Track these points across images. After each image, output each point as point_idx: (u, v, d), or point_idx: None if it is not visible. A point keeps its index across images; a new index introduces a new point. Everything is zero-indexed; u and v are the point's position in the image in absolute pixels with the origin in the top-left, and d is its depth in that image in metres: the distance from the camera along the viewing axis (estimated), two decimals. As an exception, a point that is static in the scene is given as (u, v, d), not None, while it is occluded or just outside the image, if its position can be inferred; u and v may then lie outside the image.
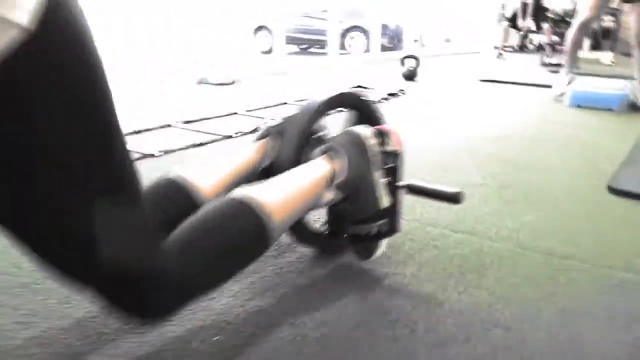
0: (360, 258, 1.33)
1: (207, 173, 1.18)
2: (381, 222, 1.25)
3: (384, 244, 1.31)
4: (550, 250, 1.50)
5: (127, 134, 2.63)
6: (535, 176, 2.21)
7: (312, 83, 4.84)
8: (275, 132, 1.30)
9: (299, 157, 1.25)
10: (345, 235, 1.30)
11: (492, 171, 2.24)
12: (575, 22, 4.19)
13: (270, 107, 3.48)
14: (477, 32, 12.83)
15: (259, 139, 1.32)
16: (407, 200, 1.85)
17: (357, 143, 1.22)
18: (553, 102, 4.15)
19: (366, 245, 1.30)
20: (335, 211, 1.34)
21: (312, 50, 11.67)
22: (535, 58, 7.67)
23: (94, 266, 0.75)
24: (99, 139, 0.73)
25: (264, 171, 1.25)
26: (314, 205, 1.16)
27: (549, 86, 4.55)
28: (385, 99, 3.99)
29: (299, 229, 1.31)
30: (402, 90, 4.33)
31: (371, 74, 5.46)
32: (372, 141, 1.24)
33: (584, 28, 4.17)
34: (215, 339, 1.06)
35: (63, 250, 0.75)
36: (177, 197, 1.10)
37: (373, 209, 1.24)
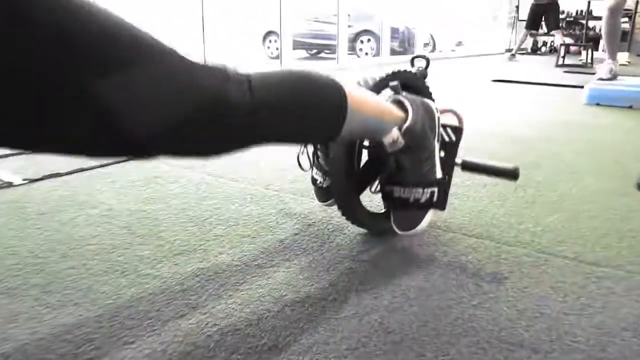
0: (402, 229, 1.25)
1: None
2: (433, 189, 1.23)
3: (429, 218, 1.24)
4: (577, 256, 1.30)
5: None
6: (556, 176, 2.01)
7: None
8: None
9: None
10: (391, 200, 1.26)
11: (509, 170, 2.04)
12: (604, 11, 3.99)
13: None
14: (488, 36, 12.65)
15: None
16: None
17: (427, 109, 1.23)
18: (570, 102, 3.95)
19: (412, 214, 1.23)
20: (392, 168, 1.24)
21: (322, 55, 11.49)
22: (549, 60, 7.47)
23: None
24: None
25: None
26: (381, 129, 1.14)
27: (565, 86, 4.35)
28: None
29: (353, 207, 1.33)
30: None
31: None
32: (437, 113, 1.25)
33: (615, 13, 3.95)
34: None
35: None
36: None
37: (428, 174, 1.22)
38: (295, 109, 0.92)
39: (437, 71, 5.46)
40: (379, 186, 1.32)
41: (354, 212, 1.34)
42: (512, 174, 1.27)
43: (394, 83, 1.27)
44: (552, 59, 8.07)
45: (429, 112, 1.23)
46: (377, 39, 10.28)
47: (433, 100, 1.37)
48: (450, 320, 1.01)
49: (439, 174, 1.24)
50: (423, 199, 1.22)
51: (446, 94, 4.32)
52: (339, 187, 1.29)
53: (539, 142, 2.61)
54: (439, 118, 1.25)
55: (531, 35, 10.16)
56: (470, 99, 4.11)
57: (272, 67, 6.85)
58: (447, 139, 1.31)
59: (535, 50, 10.79)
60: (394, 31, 10.15)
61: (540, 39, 10.91)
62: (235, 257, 1.27)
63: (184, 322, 1.00)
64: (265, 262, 1.24)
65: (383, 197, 1.31)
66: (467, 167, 1.32)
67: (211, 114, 0.78)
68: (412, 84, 1.40)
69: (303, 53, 11.69)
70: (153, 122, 0.72)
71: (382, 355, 0.91)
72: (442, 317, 1.03)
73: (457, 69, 6.56)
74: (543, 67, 6.94)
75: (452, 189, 1.34)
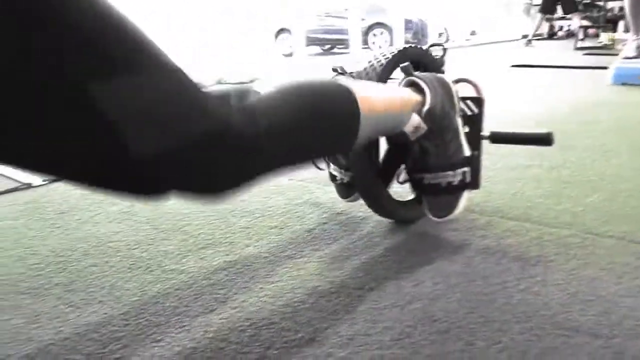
0: (438, 215, 1.19)
1: None
2: (464, 169, 1.16)
3: (464, 200, 1.18)
4: (625, 236, 1.22)
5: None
6: (590, 155, 1.93)
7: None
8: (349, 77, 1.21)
9: None
10: (422, 187, 1.20)
11: (539, 152, 1.96)
12: None
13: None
14: (502, 23, 12.50)
15: None
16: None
17: (443, 84, 1.16)
18: (595, 82, 3.84)
19: (446, 199, 1.17)
20: (417, 155, 1.17)
21: (335, 50, 11.42)
22: (567, 44, 7.33)
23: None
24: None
25: None
26: (400, 121, 1.08)
27: (587, 67, 4.25)
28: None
29: (381, 199, 1.26)
30: None
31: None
32: (454, 87, 1.18)
33: None
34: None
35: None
36: None
37: (456, 154, 1.15)
38: (305, 132, 0.82)
39: (455, 59, 5.37)
40: (405, 175, 1.24)
41: (382, 205, 1.27)
42: (546, 140, 1.23)
43: (405, 64, 1.18)
44: (569, 43, 7.92)
45: (445, 88, 1.16)
46: (390, 32, 10.19)
47: (443, 73, 1.31)
48: (498, 306, 0.95)
49: (467, 152, 1.17)
50: (456, 181, 1.16)
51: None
52: (362, 181, 1.22)
53: (567, 124, 2.52)
54: (457, 92, 1.18)
55: (547, 20, 10.00)
56: (493, 84, 4.02)
57: (284, 66, 6.81)
58: (469, 112, 1.24)
59: (551, 35, 10.61)
60: (407, 23, 10.06)
61: (557, 24, 10.73)
62: (263, 249, 1.21)
63: (214, 317, 0.95)
64: (294, 253, 1.18)
65: (413, 186, 1.24)
66: (497, 138, 1.26)
67: (219, 142, 0.69)
68: (423, 60, 1.31)
69: (316, 49, 11.64)
70: (159, 139, 0.63)
71: (430, 345, 0.84)
72: (489, 303, 0.96)
73: (474, 57, 6.46)
74: (562, 51, 6.80)
75: (482, 172, 1.26)
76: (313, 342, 0.86)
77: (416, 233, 1.27)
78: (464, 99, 1.23)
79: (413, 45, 1.30)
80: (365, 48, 9.90)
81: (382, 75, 1.18)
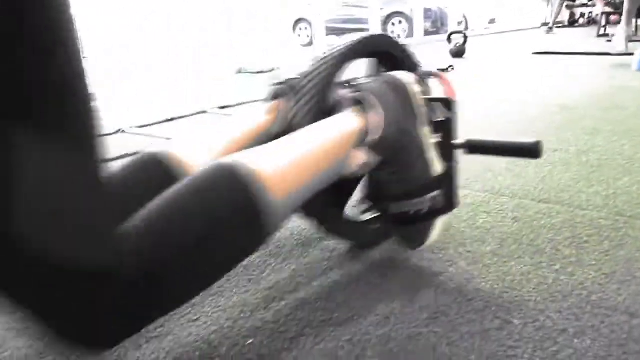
0: (409, 246, 1.03)
1: (202, 145, 0.90)
2: (435, 194, 0.94)
3: (439, 224, 0.98)
4: (659, 218, 1.21)
5: (161, 122, 2.49)
6: (618, 140, 1.90)
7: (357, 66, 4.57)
8: (289, 89, 1.01)
9: (319, 118, 0.92)
10: (387, 217, 0.99)
11: (566, 137, 1.95)
12: None
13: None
14: (522, 11, 12.37)
15: (271, 99, 1.04)
16: (472, 167, 1.61)
17: (398, 90, 0.92)
18: (619, 69, 3.79)
19: (417, 227, 0.97)
20: (374, 184, 1.00)
21: (352, 40, 11.39)
22: (589, 31, 7.24)
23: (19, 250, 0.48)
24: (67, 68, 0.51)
25: (277, 138, 0.85)
26: (337, 173, 0.83)
27: (611, 54, 4.20)
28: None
29: (327, 215, 1.02)
30: (451, 66, 4.08)
31: (417, 53, 5.17)
32: (417, 88, 0.95)
33: None
34: (248, 342, 0.83)
35: None
36: (154, 175, 0.80)
37: (423, 176, 0.93)
38: (195, 256, 0.61)
39: (475, 47, 5.34)
40: (366, 203, 1.04)
41: (334, 228, 1.05)
42: (533, 150, 0.97)
43: (348, 79, 1.00)
44: (591, 30, 7.81)
45: (402, 94, 0.92)
46: (409, 20, 10.13)
47: (416, 68, 1.11)
48: (534, 286, 0.94)
49: (438, 168, 0.95)
50: (425, 209, 0.94)
51: (490, 67, 4.20)
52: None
53: (593, 109, 2.49)
54: (419, 94, 0.95)
55: (567, 7, 9.87)
56: (515, 71, 3.98)
57: (303, 55, 6.80)
58: (438, 117, 0.98)
59: (572, 22, 10.47)
60: (426, 11, 9.99)
61: (577, 11, 10.59)
62: (295, 232, 1.22)
63: (250, 297, 0.95)
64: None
65: (377, 216, 1.07)
66: (474, 148, 1.00)
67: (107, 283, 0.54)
68: (393, 53, 1.11)
69: (334, 39, 11.60)
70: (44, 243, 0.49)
71: (467, 323, 0.84)
72: (524, 283, 0.95)
73: (495, 45, 6.40)
74: (584, 38, 6.71)
75: (508, 158, 1.20)
76: (350, 321, 0.86)
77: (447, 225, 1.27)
78: (431, 100, 0.97)
79: (377, 34, 1.09)
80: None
81: (333, 71, 0.99)
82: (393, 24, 10.75)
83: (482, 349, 0.78)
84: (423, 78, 0.99)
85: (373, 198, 1.01)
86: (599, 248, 1.08)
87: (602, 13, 7.41)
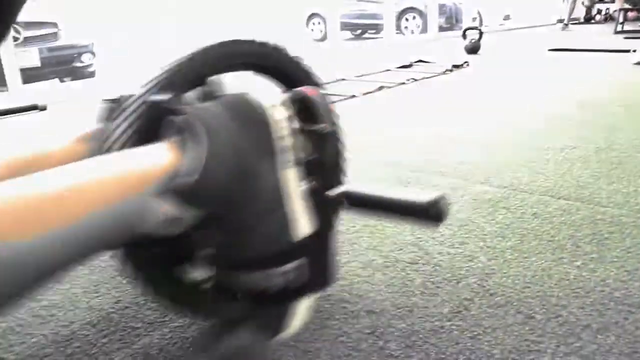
0: (261, 334, 0.71)
1: None
2: (294, 265, 0.67)
3: (304, 308, 0.70)
4: (681, 215, 1.20)
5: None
6: (637, 139, 1.89)
7: (369, 60, 4.56)
8: (108, 114, 0.75)
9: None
10: (227, 291, 0.71)
11: (585, 134, 1.93)
12: None
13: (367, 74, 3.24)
14: (537, 7, 12.27)
15: (99, 120, 0.76)
16: (491, 161, 1.61)
17: (244, 115, 0.66)
18: (637, 66, 3.75)
19: (270, 309, 0.71)
20: (210, 244, 0.70)
21: (366, 35, 11.35)
22: (605, 28, 7.17)
23: None
24: None
25: None
26: (124, 224, 0.58)
27: (629, 51, 4.15)
28: (450, 70, 3.72)
29: (155, 276, 0.78)
30: (466, 62, 4.06)
31: (432, 49, 5.15)
32: (279, 113, 0.68)
33: None
34: None
35: None
36: None
37: (278, 240, 0.67)
38: None
39: (490, 44, 5.31)
40: (204, 269, 0.73)
41: (161, 288, 0.80)
42: (426, 212, 0.66)
43: (158, 98, 0.71)
44: (608, 27, 7.75)
45: (251, 124, 0.66)
46: (423, 16, 10.08)
47: (310, 83, 0.87)
48: (555, 282, 0.94)
49: (304, 228, 0.68)
50: (279, 284, 0.67)
51: (505, 64, 4.18)
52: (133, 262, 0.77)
53: (612, 106, 2.47)
54: (287, 120, 0.68)
55: (584, 4, 9.80)
56: (531, 68, 3.96)
57: (317, 50, 6.78)
58: (309, 154, 0.71)
59: (588, 19, 10.39)
60: (441, 7, 9.94)
61: (594, 7, 10.51)
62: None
63: (271, 288, 0.96)
64: (347, 229, 1.19)
65: (215, 288, 0.73)
66: (354, 201, 0.72)
67: None
68: (260, 62, 0.85)
69: (347, 34, 11.57)
70: None
71: (489, 318, 0.84)
72: (546, 278, 0.95)
73: (510, 41, 6.36)
74: (601, 35, 6.65)
75: (526, 155, 1.19)
76: (372, 314, 0.86)
77: (465, 206, 1.27)
78: (302, 131, 0.70)
79: (241, 40, 0.82)
80: (398, 33, 9.82)
81: (161, 90, 0.74)
82: (407, 19, 10.72)
83: (505, 343, 0.78)
84: (296, 99, 0.71)
85: (211, 263, 0.71)
86: (621, 245, 1.07)
87: (620, 9, 7.34)
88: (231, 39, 0.80)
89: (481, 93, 2.87)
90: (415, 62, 4.13)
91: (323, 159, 0.71)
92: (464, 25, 8.90)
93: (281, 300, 0.69)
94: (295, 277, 0.67)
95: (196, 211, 0.61)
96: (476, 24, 10.28)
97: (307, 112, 0.70)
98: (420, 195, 0.66)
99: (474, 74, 3.67)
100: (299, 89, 0.72)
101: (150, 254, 0.74)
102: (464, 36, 5.09)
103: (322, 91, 0.74)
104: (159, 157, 0.61)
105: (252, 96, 0.69)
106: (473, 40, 4.95)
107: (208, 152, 0.61)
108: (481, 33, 5.00)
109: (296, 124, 0.69)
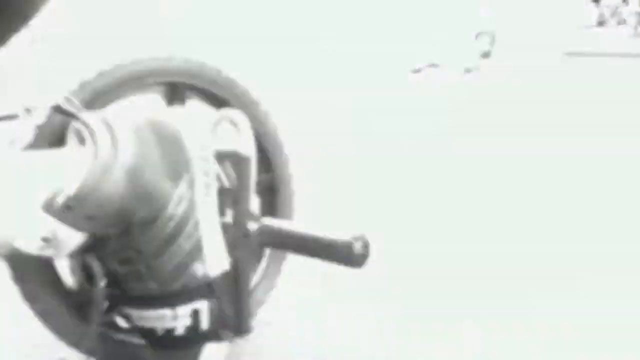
0: None
1: None
2: (199, 305, 0.60)
3: (219, 355, 0.63)
4: None
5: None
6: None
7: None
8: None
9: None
10: (126, 332, 0.64)
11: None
12: None
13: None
14: (550, 10, 12.14)
15: None
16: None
17: (159, 134, 0.60)
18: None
19: (173, 354, 0.62)
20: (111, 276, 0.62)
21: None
22: (621, 30, 7.07)
23: None
24: None
25: None
26: None
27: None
28: (461, 75, 3.61)
29: (75, 329, 0.68)
30: (478, 67, 3.94)
31: (441, 51, 5.03)
32: (200, 135, 0.62)
33: None
34: None
35: None
36: None
37: (183, 273, 0.59)
38: None
39: (503, 47, 5.14)
40: (111, 313, 0.64)
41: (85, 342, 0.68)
42: (347, 254, 0.62)
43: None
44: (623, 29, 7.60)
45: (166, 140, 0.60)
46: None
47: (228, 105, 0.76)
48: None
49: (217, 265, 0.61)
50: (181, 328, 0.60)
51: (519, 69, 4.00)
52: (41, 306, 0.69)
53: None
54: (205, 145, 0.62)
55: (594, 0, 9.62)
56: (545, 72, 3.80)
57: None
58: (225, 182, 0.66)
59: (601, 22, 10.15)
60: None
61: (607, 10, 10.28)
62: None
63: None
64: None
65: (109, 327, 0.65)
66: (273, 239, 0.68)
67: None
68: (183, 80, 0.75)
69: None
70: None
71: None
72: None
73: (523, 44, 6.22)
74: (619, 38, 6.49)
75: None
76: None
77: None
78: (221, 156, 0.65)
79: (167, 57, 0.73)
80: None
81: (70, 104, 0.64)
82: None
83: None
84: (221, 121, 0.66)
85: (110, 298, 0.61)
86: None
87: (636, 13, 7.17)
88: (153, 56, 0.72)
89: (489, 99, 2.66)
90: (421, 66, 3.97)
91: (244, 187, 0.65)
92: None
93: (185, 344, 0.60)
94: (201, 319, 0.60)
95: (83, 230, 0.54)
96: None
97: (234, 135, 0.65)
98: (343, 235, 0.63)
99: (485, 82, 3.49)
100: (224, 109, 0.70)
101: (40, 278, 0.65)
102: (476, 40, 4.92)
103: (260, 111, 0.73)
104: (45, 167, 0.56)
105: (171, 114, 0.66)
106: (485, 44, 4.79)
107: (102, 166, 0.54)
108: (493, 37, 4.83)
109: (219, 147, 0.64)
